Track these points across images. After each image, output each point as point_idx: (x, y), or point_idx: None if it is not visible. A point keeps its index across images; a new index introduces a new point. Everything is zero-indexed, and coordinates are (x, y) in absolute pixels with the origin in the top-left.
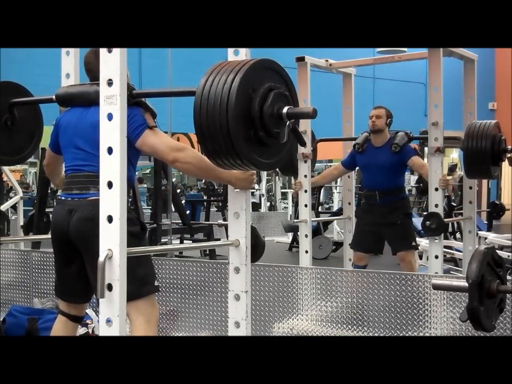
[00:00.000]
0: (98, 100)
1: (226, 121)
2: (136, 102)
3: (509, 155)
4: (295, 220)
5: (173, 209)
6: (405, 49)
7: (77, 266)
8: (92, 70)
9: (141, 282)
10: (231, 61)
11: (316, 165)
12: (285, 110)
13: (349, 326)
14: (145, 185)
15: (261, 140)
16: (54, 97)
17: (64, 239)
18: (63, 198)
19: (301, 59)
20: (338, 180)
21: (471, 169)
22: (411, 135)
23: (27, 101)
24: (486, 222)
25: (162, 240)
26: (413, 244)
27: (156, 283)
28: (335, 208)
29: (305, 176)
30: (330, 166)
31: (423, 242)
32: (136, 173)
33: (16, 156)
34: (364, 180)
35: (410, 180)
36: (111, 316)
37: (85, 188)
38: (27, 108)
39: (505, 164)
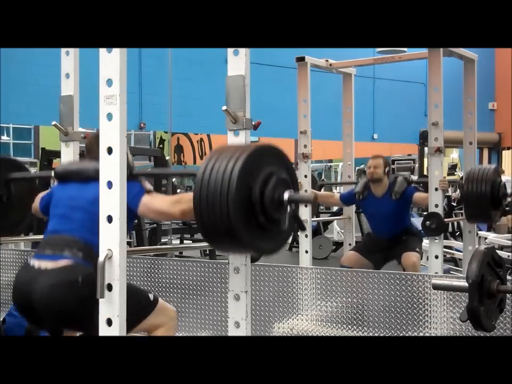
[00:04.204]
0: (97, 176)
1: (227, 207)
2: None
3: (509, 199)
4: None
5: None
6: (405, 49)
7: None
8: (91, 152)
9: (137, 310)
10: (231, 146)
11: (316, 164)
12: (286, 195)
13: (349, 326)
14: None
15: (261, 225)
16: (52, 173)
17: (27, 307)
18: (30, 261)
19: (301, 59)
20: (339, 178)
21: (471, 212)
22: (410, 179)
23: (24, 177)
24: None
25: (162, 240)
26: (417, 249)
27: (151, 297)
28: (335, 208)
29: (305, 176)
30: (330, 166)
31: (423, 242)
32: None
33: (11, 230)
34: (371, 226)
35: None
36: (111, 316)
37: (58, 249)
38: (23, 183)
39: (505, 161)
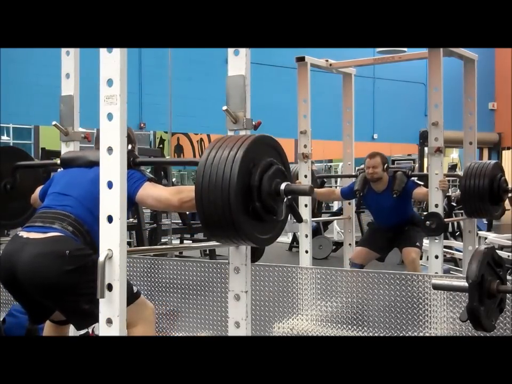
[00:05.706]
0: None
1: (228, 193)
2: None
3: (510, 195)
4: (295, 220)
5: None
6: (405, 49)
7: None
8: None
9: None
10: (233, 136)
11: (316, 164)
12: (282, 186)
13: (349, 326)
14: None
15: (258, 214)
16: (58, 161)
17: (11, 278)
18: (19, 232)
19: (301, 59)
20: (338, 179)
21: (469, 206)
22: (409, 173)
23: (31, 164)
24: (486, 222)
25: (162, 240)
26: (417, 244)
27: (135, 289)
28: (335, 208)
29: (305, 176)
30: (330, 166)
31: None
32: None
33: (14, 220)
34: (374, 218)
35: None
36: (111, 316)
37: (49, 222)
38: (28, 173)
39: (505, 161)
